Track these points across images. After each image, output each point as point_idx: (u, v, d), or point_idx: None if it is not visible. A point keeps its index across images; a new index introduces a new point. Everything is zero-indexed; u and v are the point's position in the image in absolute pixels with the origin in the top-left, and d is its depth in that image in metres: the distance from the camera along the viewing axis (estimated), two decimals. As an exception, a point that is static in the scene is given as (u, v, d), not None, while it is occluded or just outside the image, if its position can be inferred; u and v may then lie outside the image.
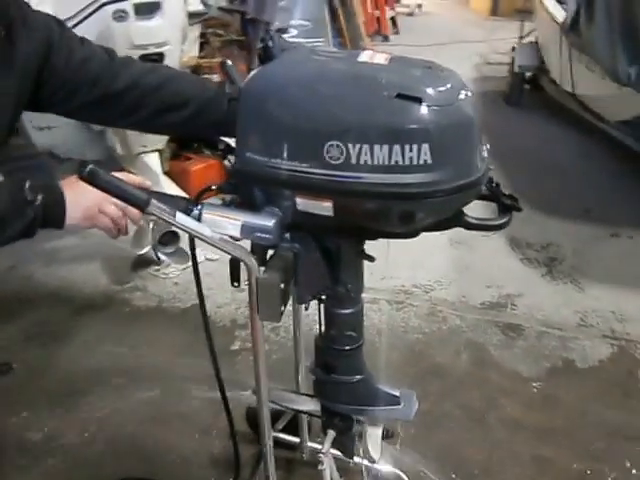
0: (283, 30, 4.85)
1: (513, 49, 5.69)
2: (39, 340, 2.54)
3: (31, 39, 1.17)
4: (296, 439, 1.90)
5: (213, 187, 1.18)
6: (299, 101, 1.01)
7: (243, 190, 1.13)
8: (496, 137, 4.54)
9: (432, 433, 2.04)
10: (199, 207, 1.10)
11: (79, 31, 2.53)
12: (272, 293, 1.15)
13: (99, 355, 2.44)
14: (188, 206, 1.10)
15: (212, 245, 1.08)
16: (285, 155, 1.02)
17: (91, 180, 0.91)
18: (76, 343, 2.53)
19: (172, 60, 2.76)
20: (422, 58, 1.09)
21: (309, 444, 1.89)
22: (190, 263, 1.24)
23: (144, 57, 2.56)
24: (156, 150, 2.99)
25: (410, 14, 9.73)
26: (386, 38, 8.10)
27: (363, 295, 1.33)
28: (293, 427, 1.88)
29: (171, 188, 2.99)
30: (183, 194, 2.49)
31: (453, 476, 1.89)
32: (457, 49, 7.20)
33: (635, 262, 3.06)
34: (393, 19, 8.50)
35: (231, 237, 1.11)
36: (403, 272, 2.94)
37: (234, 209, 1.12)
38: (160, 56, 2.65)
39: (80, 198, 1.11)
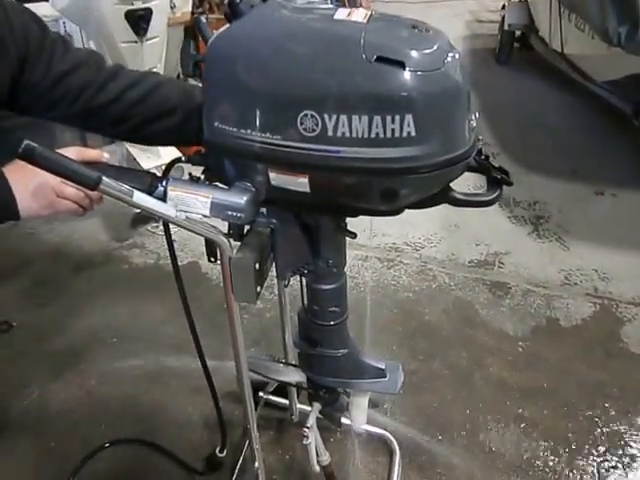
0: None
1: (503, 7, 5.38)
2: (39, 298, 2.42)
3: (4, 58, 0.94)
4: (286, 401, 1.78)
5: (183, 158, 1.01)
6: (268, 64, 0.82)
7: (213, 163, 0.96)
8: (485, 95, 4.32)
9: (420, 393, 1.92)
10: (164, 183, 0.93)
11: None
12: (246, 274, 1.00)
13: (97, 313, 2.32)
14: (152, 183, 0.93)
15: (178, 225, 0.92)
16: (256, 125, 0.84)
17: (30, 159, 0.73)
18: (75, 301, 2.40)
19: (161, 16, 2.47)
20: (407, 16, 0.90)
21: (299, 406, 1.79)
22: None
23: (131, 12, 2.31)
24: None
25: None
26: (383, -6, 7.68)
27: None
28: (283, 389, 1.77)
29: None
30: (178, 154, 2.28)
31: (439, 437, 1.78)
32: (449, 7, 6.96)
33: (618, 221, 2.90)
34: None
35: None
36: (394, 229, 2.81)
37: (203, 185, 0.95)
38: (148, 11, 2.35)
39: (30, 185, 0.89)
